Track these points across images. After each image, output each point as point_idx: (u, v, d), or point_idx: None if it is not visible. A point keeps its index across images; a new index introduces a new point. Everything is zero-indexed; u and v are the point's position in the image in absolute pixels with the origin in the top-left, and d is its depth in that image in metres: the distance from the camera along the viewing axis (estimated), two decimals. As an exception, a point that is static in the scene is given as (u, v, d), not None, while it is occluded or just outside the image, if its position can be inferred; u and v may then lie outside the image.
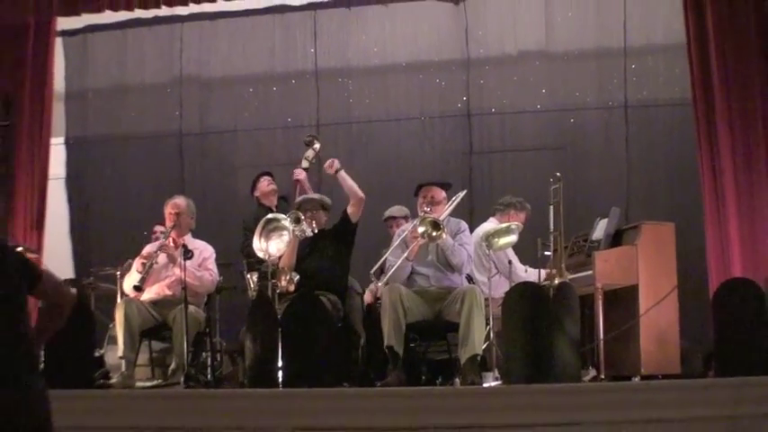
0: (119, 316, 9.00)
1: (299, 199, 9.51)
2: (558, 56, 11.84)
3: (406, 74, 12.15)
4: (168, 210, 9.52)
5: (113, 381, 8.89)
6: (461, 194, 9.26)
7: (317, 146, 10.07)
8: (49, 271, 4.83)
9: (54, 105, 11.41)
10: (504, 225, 9.29)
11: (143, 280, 9.10)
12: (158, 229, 10.43)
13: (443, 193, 9.05)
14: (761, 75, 9.39)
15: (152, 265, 9.21)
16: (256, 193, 10.34)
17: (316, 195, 9.55)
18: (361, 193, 9.16)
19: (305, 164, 10.03)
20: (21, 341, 4.53)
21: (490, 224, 9.59)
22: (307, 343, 8.08)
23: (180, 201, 9.61)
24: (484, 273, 9.18)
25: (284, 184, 10.42)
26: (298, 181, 9.96)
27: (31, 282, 4.63)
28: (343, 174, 9.16)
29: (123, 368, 8.91)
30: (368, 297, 9.74)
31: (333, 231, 9.27)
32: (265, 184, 10.30)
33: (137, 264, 9.33)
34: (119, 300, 9.61)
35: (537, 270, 9.11)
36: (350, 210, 9.18)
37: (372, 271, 9.04)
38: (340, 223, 9.25)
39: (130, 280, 9.31)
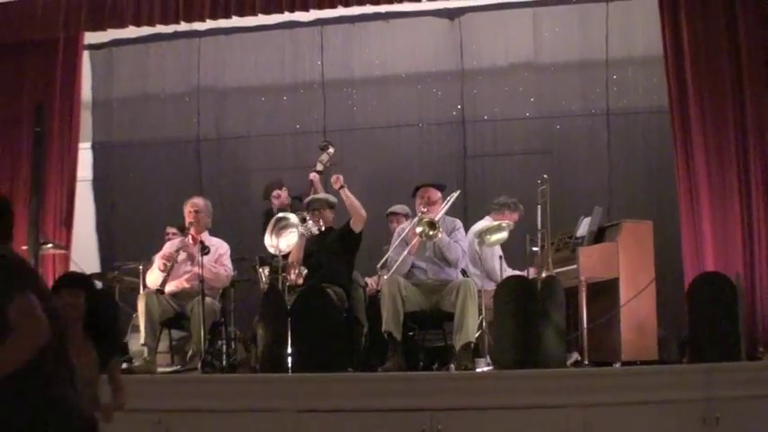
0: (140, 306, 9.03)
1: (307, 199, 9.52)
2: (546, 67, 11.82)
3: (406, 84, 12.13)
4: (188, 208, 9.55)
5: (136, 366, 8.91)
6: (455, 195, 9.27)
7: (330, 150, 10.10)
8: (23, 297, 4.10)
9: (82, 113, 11.41)
10: (495, 223, 9.31)
11: (164, 282, 9.13)
12: (170, 230, 10.43)
13: (439, 194, 9.06)
14: (731, 85, 9.38)
15: (173, 265, 9.24)
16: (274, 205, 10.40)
17: (322, 195, 9.56)
18: (362, 212, 9.14)
19: (319, 167, 10.05)
20: None
21: (485, 222, 9.61)
22: (314, 331, 8.12)
23: (198, 200, 9.64)
24: (478, 266, 9.21)
25: (298, 186, 10.45)
26: (311, 182, 9.98)
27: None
28: (346, 191, 9.12)
29: (145, 354, 8.92)
30: (371, 284, 9.78)
31: (339, 232, 9.27)
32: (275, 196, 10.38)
33: (158, 262, 9.35)
34: (141, 292, 9.63)
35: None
36: (352, 223, 9.18)
37: (379, 266, 9.06)
38: (344, 232, 9.23)
39: (153, 276, 9.35)
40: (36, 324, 4.05)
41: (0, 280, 4.13)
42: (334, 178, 9.18)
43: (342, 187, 9.11)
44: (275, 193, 10.39)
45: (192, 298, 9.07)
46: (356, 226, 9.14)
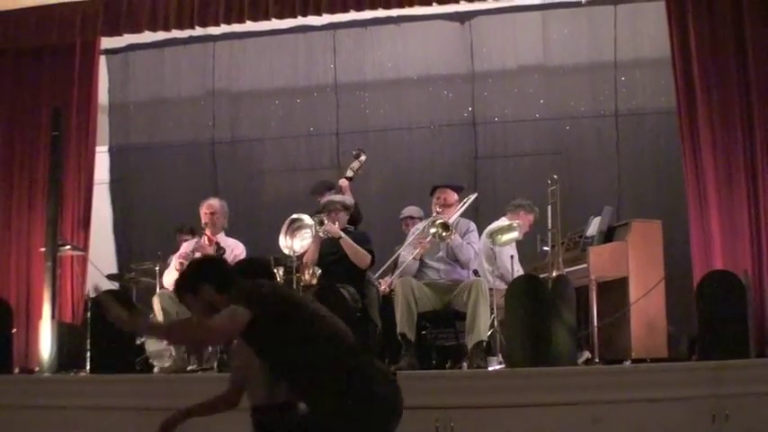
0: (156, 307, 9.03)
1: (324, 201, 9.49)
2: (555, 69, 11.82)
3: (417, 87, 12.15)
4: (204, 210, 9.55)
5: (167, 365, 8.90)
6: (472, 198, 9.31)
7: (362, 158, 10.04)
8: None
9: (99, 117, 11.41)
10: (506, 223, 9.33)
11: None
12: (182, 237, 10.39)
13: (455, 196, 9.12)
14: (738, 85, 9.35)
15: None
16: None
17: (339, 197, 9.52)
18: (366, 261, 9.08)
19: (349, 173, 9.98)
20: None
21: (500, 222, 9.64)
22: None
23: (214, 202, 9.65)
24: (494, 265, 9.22)
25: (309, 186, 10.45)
26: (341, 187, 9.93)
27: None
28: (344, 238, 9.10)
29: (172, 353, 8.91)
30: (384, 284, 9.79)
31: (353, 236, 9.20)
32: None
33: (175, 262, 9.36)
34: (157, 292, 9.65)
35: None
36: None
37: (381, 270, 9.13)
38: (357, 241, 9.20)
39: (170, 276, 9.35)
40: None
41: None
42: (329, 227, 9.11)
43: (340, 237, 9.09)
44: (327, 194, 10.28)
45: (207, 299, 9.05)
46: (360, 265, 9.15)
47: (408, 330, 8.36)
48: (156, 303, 9.06)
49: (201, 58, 12.57)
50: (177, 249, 9.80)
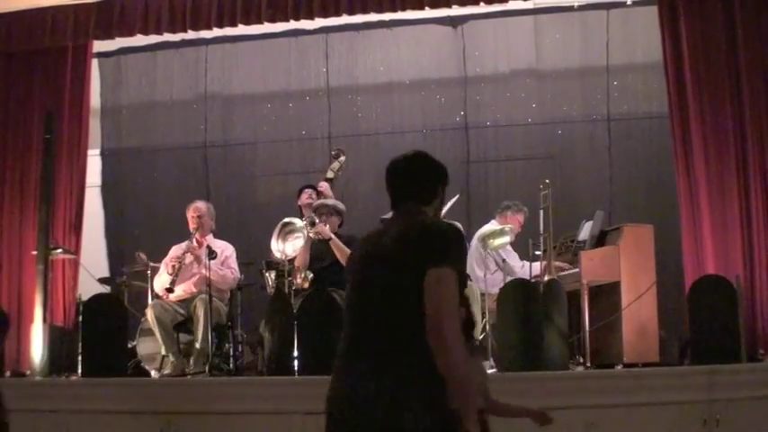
0: (150, 318, 9.04)
1: (315, 204, 9.48)
2: (547, 74, 11.81)
3: (410, 91, 12.13)
4: (191, 213, 9.57)
5: (167, 371, 8.92)
6: (455, 198, 9.29)
7: (342, 158, 10.03)
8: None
9: (90, 120, 11.39)
10: (498, 227, 9.32)
11: (173, 282, 9.15)
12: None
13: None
14: (730, 90, 9.36)
15: (181, 266, 9.25)
16: (299, 203, 10.26)
17: (330, 201, 9.53)
18: None
19: (330, 174, 9.97)
20: None
21: (490, 226, 9.63)
22: (320, 335, 8.09)
23: (200, 204, 9.68)
24: (483, 269, 9.21)
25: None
26: (320, 192, 9.90)
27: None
28: (334, 240, 9.09)
29: (171, 358, 8.99)
30: None
31: (345, 240, 9.19)
32: (305, 197, 10.18)
33: (165, 266, 9.36)
34: (150, 296, 9.65)
35: (531, 264, 9.14)
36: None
37: None
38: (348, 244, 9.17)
39: (161, 280, 9.37)
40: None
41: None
42: (320, 228, 9.10)
43: (330, 239, 9.07)
44: (307, 191, 10.24)
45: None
46: None
47: (400, 334, 8.35)
48: (150, 315, 9.08)
49: (194, 62, 12.54)
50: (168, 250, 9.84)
